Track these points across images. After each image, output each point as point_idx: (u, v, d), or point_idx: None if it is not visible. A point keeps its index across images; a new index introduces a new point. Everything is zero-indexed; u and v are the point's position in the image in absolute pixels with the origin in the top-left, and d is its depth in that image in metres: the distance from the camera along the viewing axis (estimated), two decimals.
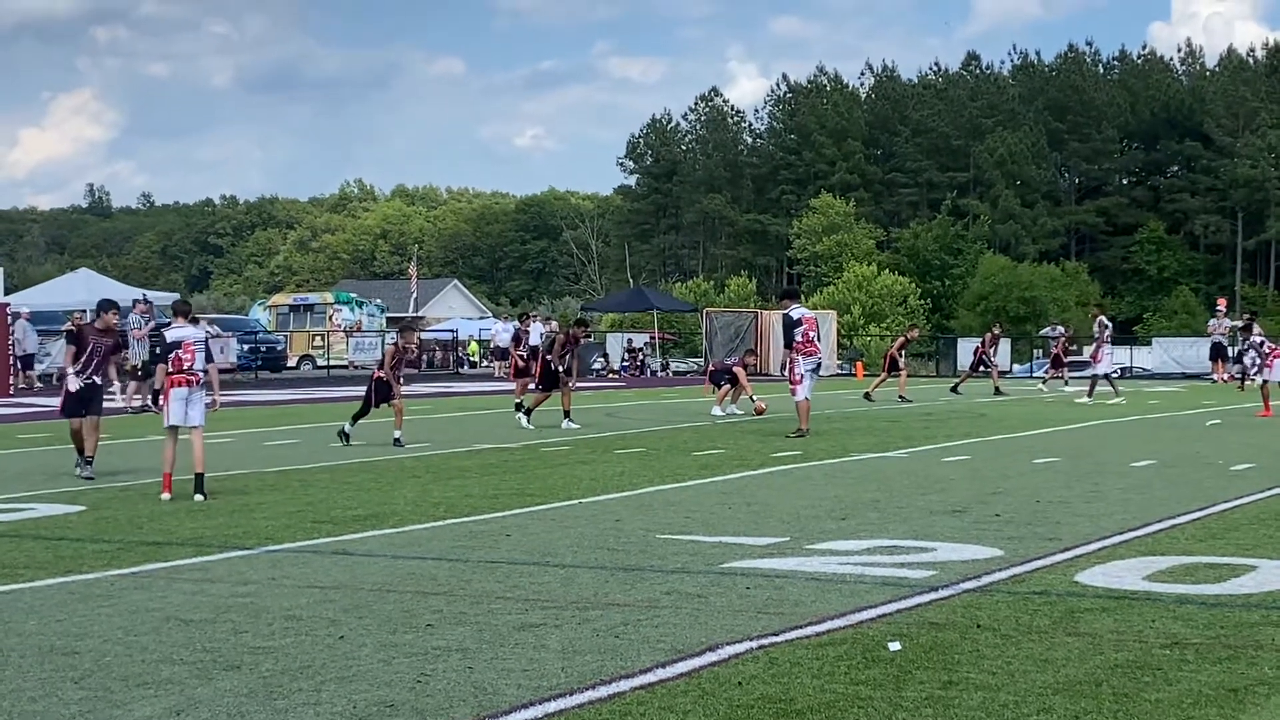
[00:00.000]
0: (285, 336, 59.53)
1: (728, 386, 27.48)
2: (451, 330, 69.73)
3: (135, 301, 32.75)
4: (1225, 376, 37.29)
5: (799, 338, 21.95)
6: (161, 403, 15.13)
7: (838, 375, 52.30)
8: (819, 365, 23.02)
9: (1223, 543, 10.89)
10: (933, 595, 8.75)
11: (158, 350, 15.67)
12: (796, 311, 22.31)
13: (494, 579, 9.45)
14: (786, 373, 22.92)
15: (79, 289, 44.69)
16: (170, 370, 14.57)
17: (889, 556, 10.24)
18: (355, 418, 20.53)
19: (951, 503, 13.40)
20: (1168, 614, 8.15)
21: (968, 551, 10.43)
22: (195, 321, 16.11)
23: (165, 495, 13.97)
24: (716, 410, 26.76)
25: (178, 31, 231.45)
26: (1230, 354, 38.16)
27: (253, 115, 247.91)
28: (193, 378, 14.53)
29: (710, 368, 33.64)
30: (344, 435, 20.22)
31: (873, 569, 9.69)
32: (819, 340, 22.68)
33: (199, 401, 14.60)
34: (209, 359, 15.01)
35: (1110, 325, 33.33)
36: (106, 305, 16.43)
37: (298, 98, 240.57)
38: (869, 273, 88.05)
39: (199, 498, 13.84)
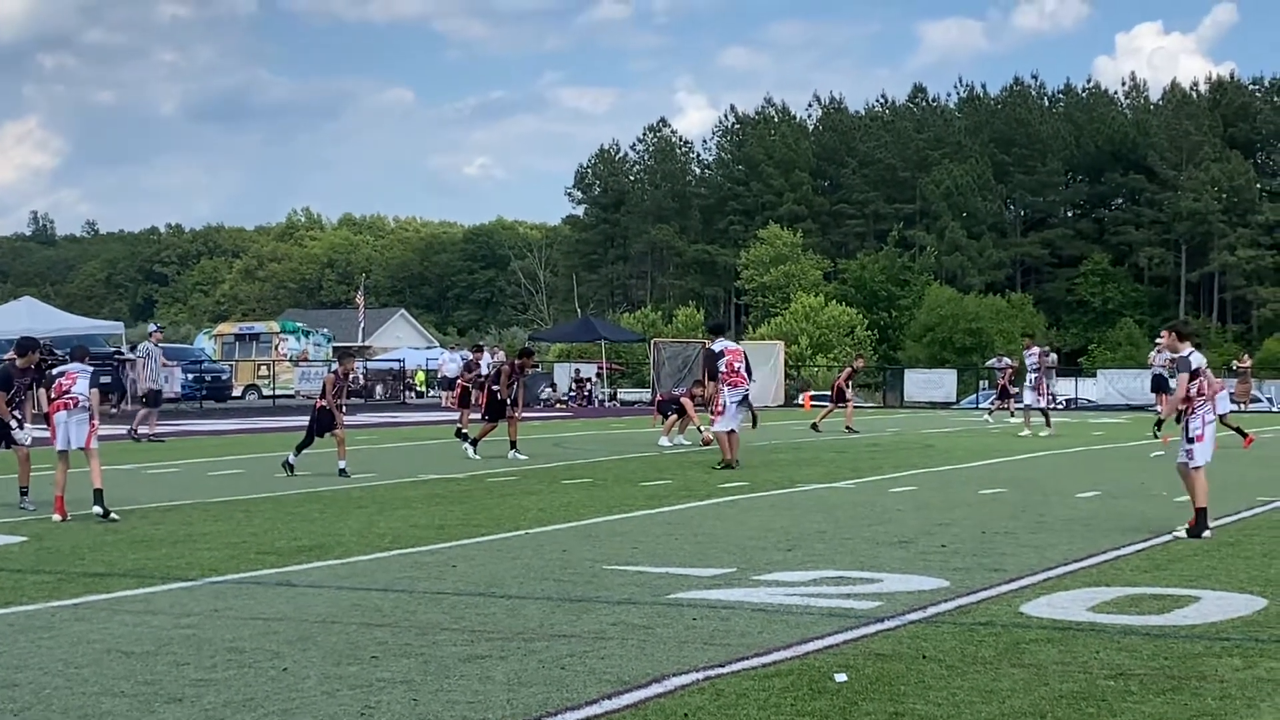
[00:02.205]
0: (231, 366, 59.11)
1: (675, 417, 27.49)
2: (398, 360, 69.46)
3: (150, 331, 33.12)
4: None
5: (723, 369, 22.07)
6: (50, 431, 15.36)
7: (784, 406, 52.43)
8: (745, 397, 23.05)
9: (1167, 574, 10.96)
10: (879, 626, 8.76)
11: (39, 381, 15.93)
12: (719, 344, 22.55)
13: (439, 610, 9.39)
14: (710, 404, 23.02)
15: (22, 317, 44.24)
16: (52, 396, 15.11)
17: (835, 587, 10.25)
18: (299, 448, 20.40)
19: (898, 534, 13.43)
20: (1112, 645, 8.19)
21: (914, 582, 10.45)
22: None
23: (56, 517, 14.47)
24: (664, 441, 26.76)
25: (125, 59, 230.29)
26: (1172, 386, 38.45)
27: (200, 144, 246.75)
28: (71, 400, 15.02)
29: (658, 398, 33.62)
30: (288, 466, 20.08)
31: (819, 600, 9.69)
32: (746, 372, 22.72)
33: (83, 424, 15.04)
34: (92, 385, 15.35)
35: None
36: (27, 346, 16.07)
37: (245, 126, 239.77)
38: (816, 303, 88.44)
39: (97, 510, 14.36)
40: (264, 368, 60.96)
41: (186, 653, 8.05)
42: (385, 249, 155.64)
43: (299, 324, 72.04)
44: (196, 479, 19.89)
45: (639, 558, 11.80)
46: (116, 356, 47.23)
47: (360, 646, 8.19)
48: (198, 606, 9.62)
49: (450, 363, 56.14)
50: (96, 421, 15.42)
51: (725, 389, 22.02)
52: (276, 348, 62.75)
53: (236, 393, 56.90)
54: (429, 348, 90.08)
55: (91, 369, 15.73)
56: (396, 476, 20.10)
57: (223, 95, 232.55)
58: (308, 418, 21.34)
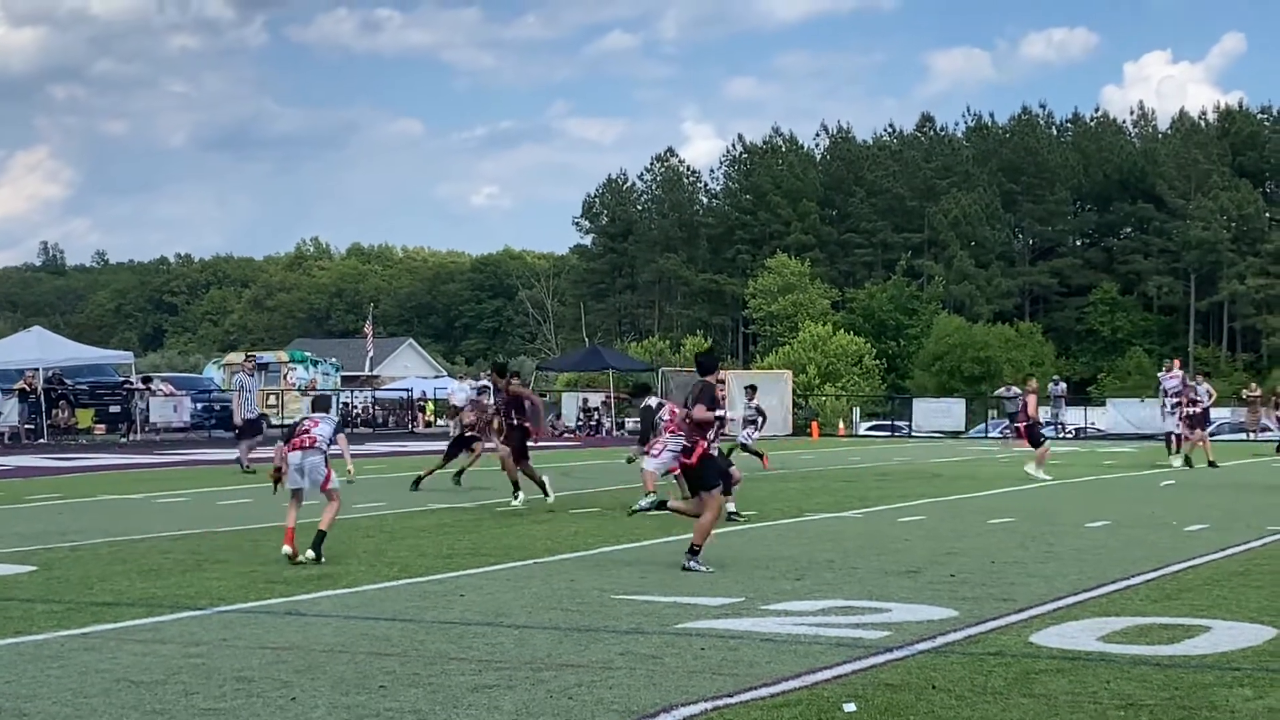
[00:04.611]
0: None
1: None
2: (406, 389, 69.47)
3: (246, 357, 32.92)
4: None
5: (665, 417, 21.70)
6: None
7: (792, 435, 52.40)
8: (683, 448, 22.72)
9: (1177, 604, 10.93)
10: (888, 656, 8.74)
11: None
12: (653, 400, 22.33)
13: (448, 640, 9.38)
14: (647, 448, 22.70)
15: (32, 347, 44.35)
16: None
17: (844, 617, 10.23)
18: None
19: (907, 563, 13.41)
20: (1122, 675, 8.16)
21: (923, 612, 10.43)
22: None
23: (286, 549, 13.84)
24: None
25: (135, 90, 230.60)
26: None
27: (209, 173, 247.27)
28: (309, 439, 14.38)
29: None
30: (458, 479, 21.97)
31: (828, 630, 9.68)
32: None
33: (319, 465, 14.34)
34: (336, 432, 14.71)
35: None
36: None
37: (255, 156, 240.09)
38: (824, 332, 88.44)
39: (310, 554, 13.76)
40: (273, 397, 60.97)
41: (195, 682, 8.05)
42: (393, 278, 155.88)
43: (307, 353, 72.07)
44: (205, 508, 19.90)
45: (647, 587, 11.79)
46: (126, 386, 47.36)
47: (368, 676, 8.19)
48: (206, 636, 9.62)
49: (459, 392, 56.15)
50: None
51: (668, 436, 21.59)
52: (285, 377, 62.75)
53: None
54: (437, 377, 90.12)
55: (336, 419, 15.22)
56: (405, 506, 20.11)
57: (232, 126, 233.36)
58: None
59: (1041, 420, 28.30)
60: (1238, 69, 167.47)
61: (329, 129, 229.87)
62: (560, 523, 17.69)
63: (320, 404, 15.69)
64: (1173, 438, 30.57)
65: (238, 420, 29.29)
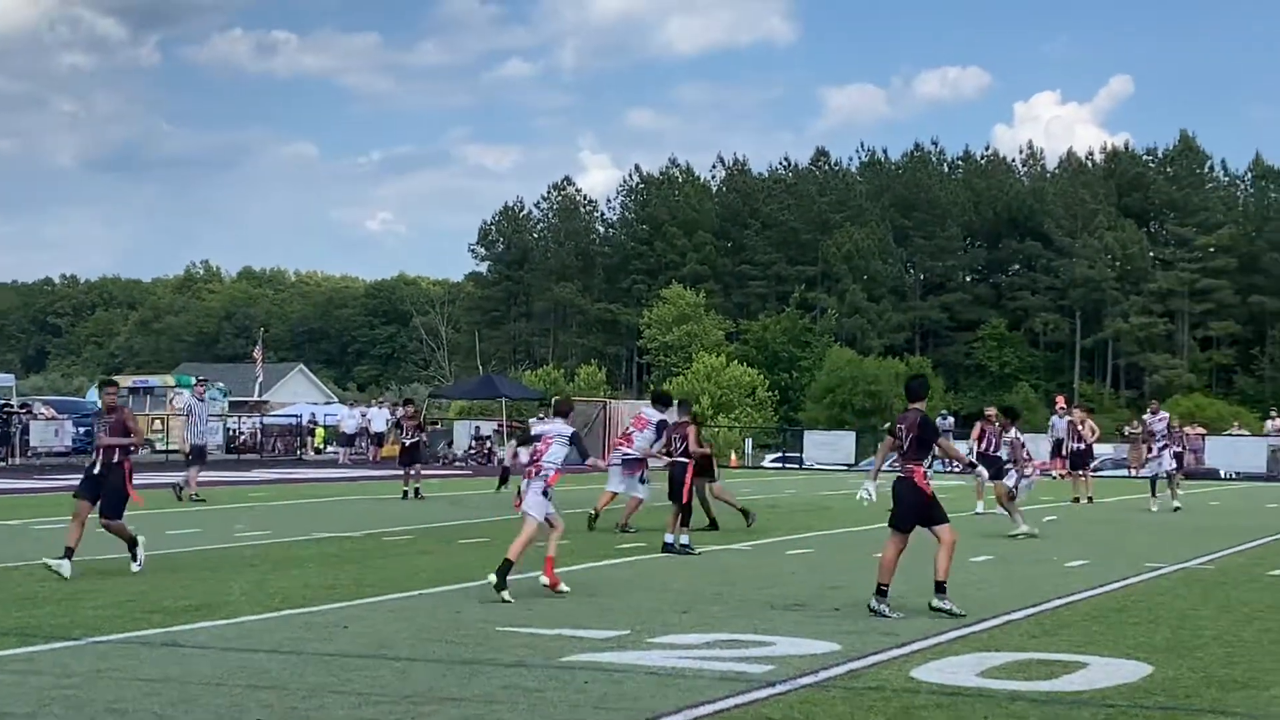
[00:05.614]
0: None
1: None
2: (295, 415, 68.75)
3: (198, 381, 32.03)
4: (1063, 472, 38.04)
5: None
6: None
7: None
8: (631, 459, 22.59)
9: (1055, 639, 11.06)
10: (770, 690, 8.76)
11: None
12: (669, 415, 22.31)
13: (328, 672, 9.26)
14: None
15: None
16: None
17: (729, 650, 10.24)
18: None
19: (793, 596, 13.46)
20: (1000, 710, 8.24)
21: (807, 646, 10.47)
22: None
23: (544, 580, 13.72)
24: None
25: (24, 108, 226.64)
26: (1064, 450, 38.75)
27: (98, 194, 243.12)
28: (537, 468, 14.14)
29: None
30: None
31: (712, 664, 9.68)
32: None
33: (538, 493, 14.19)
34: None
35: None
36: None
37: (145, 177, 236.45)
38: (718, 363, 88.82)
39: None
40: (158, 422, 60.06)
41: (67, 713, 7.90)
42: (285, 303, 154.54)
43: (194, 377, 71.08)
44: (85, 535, 19.47)
45: (533, 620, 11.72)
46: (6, 409, 46.41)
47: (244, 709, 8.06)
48: (81, 666, 9.43)
49: (349, 419, 55.66)
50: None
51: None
52: (171, 402, 61.78)
53: None
54: (328, 403, 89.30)
55: (571, 430, 14.43)
56: (290, 535, 19.85)
57: (122, 146, 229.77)
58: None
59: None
60: (1125, 111, 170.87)
61: (222, 151, 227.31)
62: (448, 554, 17.57)
63: (562, 408, 15.03)
64: (1159, 479, 29.72)
65: (186, 445, 28.48)
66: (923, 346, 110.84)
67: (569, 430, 14.23)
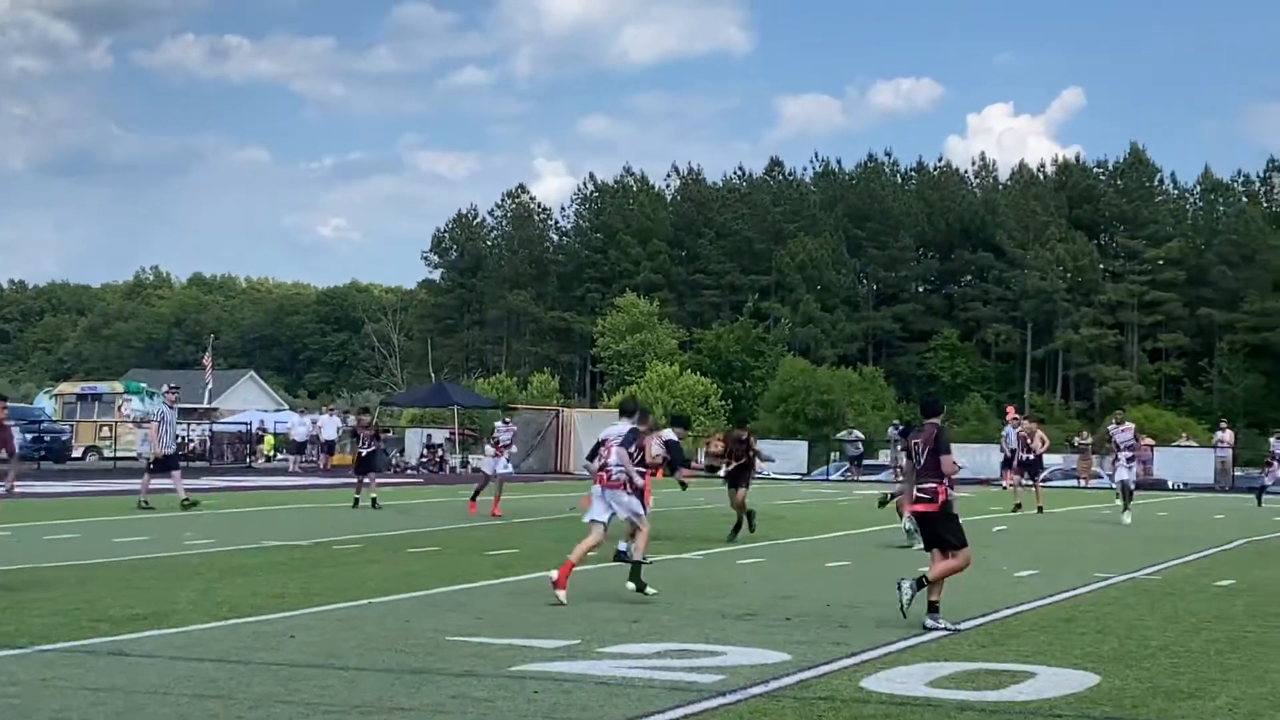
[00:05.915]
0: (71, 426, 57.71)
1: None
2: (245, 422, 68.37)
3: (169, 388, 31.45)
4: (1012, 482, 38.21)
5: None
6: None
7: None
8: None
9: (1003, 649, 11.11)
10: (720, 700, 8.75)
11: None
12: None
13: (275, 682, 9.20)
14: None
15: None
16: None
17: (679, 660, 10.22)
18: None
19: (744, 606, 13.46)
20: None
21: (757, 656, 10.46)
22: None
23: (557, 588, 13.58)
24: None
25: None
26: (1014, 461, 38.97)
27: (47, 198, 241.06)
28: (607, 473, 14.35)
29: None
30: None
31: (662, 673, 9.66)
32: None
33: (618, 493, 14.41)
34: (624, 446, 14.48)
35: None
36: None
37: (95, 181, 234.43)
38: (671, 372, 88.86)
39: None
40: (106, 429, 59.62)
41: None
42: (236, 309, 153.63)
43: (144, 384, 70.56)
44: (30, 543, 19.33)
45: (482, 629, 11.68)
46: None
47: (190, 719, 7.99)
48: (25, 675, 9.33)
49: (299, 426, 55.42)
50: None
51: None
52: (120, 409, 61.34)
53: (76, 454, 55.55)
54: (278, 410, 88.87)
55: (628, 428, 14.60)
56: (238, 543, 19.72)
57: (73, 150, 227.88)
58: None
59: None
60: (1076, 123, 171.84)
61: (173, 155, 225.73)
62: (396, 562, 17.49)
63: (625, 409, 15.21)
64: (1125, 488, 30.07)
65: (156, 452, 28.00)
66: (875, 357, 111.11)
67: (624, 429, 14.51)
